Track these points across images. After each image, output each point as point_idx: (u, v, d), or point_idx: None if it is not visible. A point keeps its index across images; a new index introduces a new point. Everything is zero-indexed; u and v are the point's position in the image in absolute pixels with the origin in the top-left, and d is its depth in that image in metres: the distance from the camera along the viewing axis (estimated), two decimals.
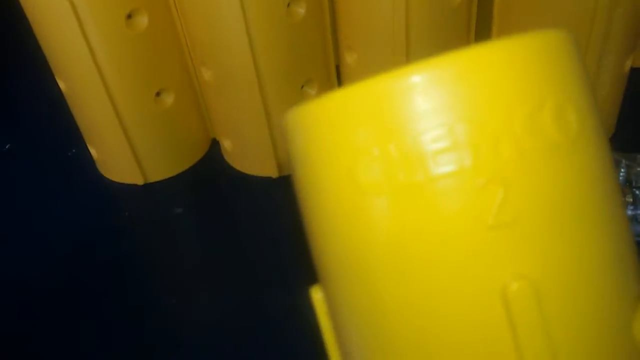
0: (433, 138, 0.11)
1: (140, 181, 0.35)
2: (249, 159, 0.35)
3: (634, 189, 0.29)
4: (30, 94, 0.43)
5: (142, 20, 0.30)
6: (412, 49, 0.30)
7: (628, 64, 0.30)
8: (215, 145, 0.37)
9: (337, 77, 0.34)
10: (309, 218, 0.13)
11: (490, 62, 0.11)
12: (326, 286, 0.14)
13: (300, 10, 0.29)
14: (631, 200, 0.29)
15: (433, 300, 0.11)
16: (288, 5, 0.29)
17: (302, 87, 0.32)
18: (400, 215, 0.11)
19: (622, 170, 0.30)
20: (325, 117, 0.12)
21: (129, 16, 0.30)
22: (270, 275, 0.29)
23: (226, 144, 0.35)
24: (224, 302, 0.28)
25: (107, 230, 0.33)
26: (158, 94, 0.33)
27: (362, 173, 0.11)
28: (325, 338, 0.15)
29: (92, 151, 0.36)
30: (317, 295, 0.15)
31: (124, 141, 0.33)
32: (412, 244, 0.11)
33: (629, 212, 0.29)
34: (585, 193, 0.11)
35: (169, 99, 0.33)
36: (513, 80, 0.11)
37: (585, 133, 0.12)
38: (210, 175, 0.35)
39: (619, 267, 0.12)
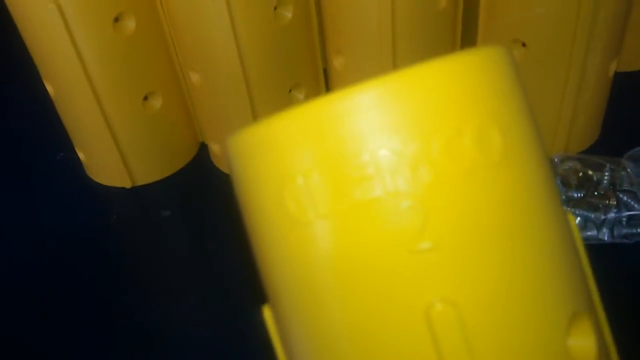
0: (356, 165, 0.11)
1: (128, 184, 0.35)
2: None
3: (618, 193, 0.30)
4: (17, 96, 0.43)
5: (130, 24, 0.30)
6: (399, 52, 0.30)
7: (612, 68, 0.31)
8: (203, 148, 0.37)
9: (325, 81, 0.34)
10: (250, 239, 0.13)
11: (409, 89, 0.11)
12: (271, 302, 0.14)
13: (287, 14, 0.30)
14: (615, 203, 0.29)
15: (363, 321, 0.11)
16: (275, 8, 0.29)
17: (290, 90, 0.32)
18: (328, 242, 0.11)
19: (607, 174, 0.30)
20: (256, 144, 0.12)
21: (116, 19, 0.30)
22: (258, 277, 0.29)
23: (214, 148, 0.35)
24: (211, 304, 0.28)
25: (95, 233, 0.33)
26: (146, 98, 0.33)
27: (289, 201, 0.11)
28: (277, 353, 0.15)
29: (80, 154, 0.36)
30: (267, 312, 0.15)
31: (112, 145, 0.33)
32: (340, 268, 0.11)
33: (612, 215, 0.29)
34: (511, 214, 0.11)
35: (156, 103, 0.33)
36: (432, 106, 0.11)
37: (513, 153, 0.11)
38: (199, 178, 0.35)
39: (549, 286, 0.11)
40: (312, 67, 0.33)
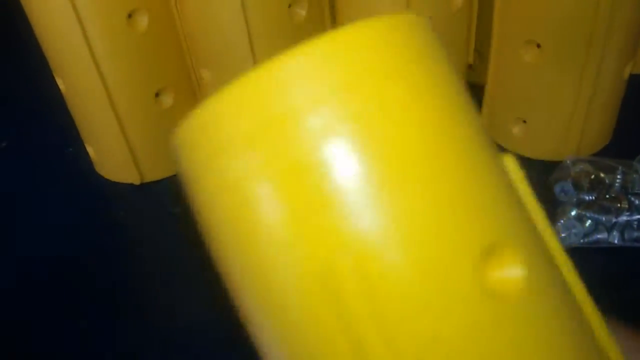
0: (290, 130, 0.11)
1: (137, 181, 0.35)
2: None
3: (630, 196, 0.30)
4: (27, 91, 0.43)
5: (143, 20, 0.30)
6: None
7: (627, 71, 0.31)
8: None
9: None
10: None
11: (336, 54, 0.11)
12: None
13: (302, 12, 0.29)
14: (626, 206, 0.29)
15: (275, 284, 0.11)
16: (289, 6, 0.29)
17: None
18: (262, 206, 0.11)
19: (619, 177, 0.30)
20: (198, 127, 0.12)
21: (130, 16, 0.30)
22: None
23: None
24: (220, 301, 0.28)
25: (103, 229, 0.33)
26: (157, 94, 0.32)
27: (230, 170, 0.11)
28: None
29: (90, 150, 0.35)
30: None
31: (122, 141, 0.33)
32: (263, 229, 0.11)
33: (624, 218, 0.29)
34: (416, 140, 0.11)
35: (168, 99, 0.33)
36: (361, 66, 0.11)
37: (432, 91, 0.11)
38: None
39: (459, 216, 0.11)
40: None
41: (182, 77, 0.33)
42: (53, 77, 0.32)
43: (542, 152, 0.33)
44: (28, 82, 0.42)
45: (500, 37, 0.31)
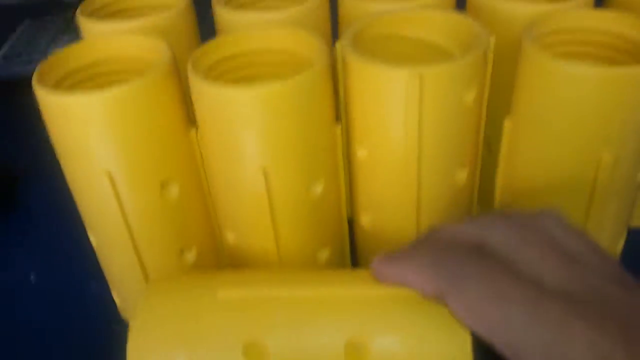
0: None
1: None
2: None
3: None
4: (59, 224, 0.45)
5: (174, 189, 0.33)
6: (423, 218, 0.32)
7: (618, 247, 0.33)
8: None
9: (351, 238, 0.37)
10: None
11: None
12: None
13: (318, 189, 0.32)
14: None
15: None
16: (308, 187, 0.31)
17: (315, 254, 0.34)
18: None
19: None
20: None
21: (162, 186, 0.32)
22: None
23: None
24: None
25: None
26: (182, 251, 0.35)
27: None
28: None
29: (115, 295, 0.38)
30: None
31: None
32: None
33: None
34: None
35: (191, 256, 0.35)
36: None
37: None
38: None
39: None
40: (339, 232, 0.35)
41: (207, 237, 0.36)
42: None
43: None
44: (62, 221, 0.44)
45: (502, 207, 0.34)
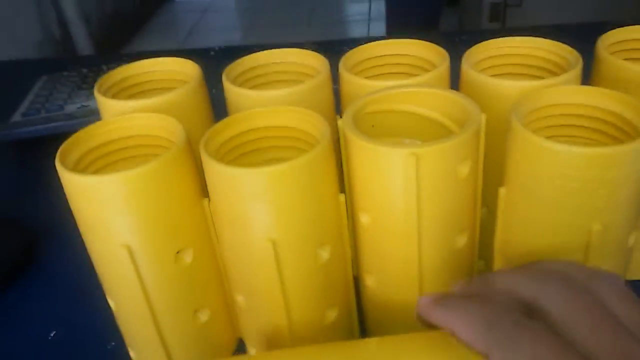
0: None
1: None
2: None
3: None
4: (78, 282, 0.47)
5: (188, 255, 0.35)
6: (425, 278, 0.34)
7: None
8: (241, 345, 0.41)
9: (357, 298, 0.38)
10: None
11: None
12: None
13: (325, 254, 0.34)
14: None
15: None
16: (315, 254, 0.33)
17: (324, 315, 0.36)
18: None
19: None
20: None
21: (177, 252, 0.34)
22: None
23: (252, 352, 0.39)
24: None
25: None
26: (195, 311, 0.37)
27: None
28: None
29: (131, 352, 0.39)
30: None
31: (162, 350, 0.37)
32: None
33: None
34: None
35: (204, 317, 0.37)
36: None
37: None
38: None
39: None
40: (346, 292, 0.37)
41: (219, 298, 0.38)
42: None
43: None
44: (80, 275, 0.46)
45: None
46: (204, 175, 0.33)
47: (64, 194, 0.33)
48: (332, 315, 0.36)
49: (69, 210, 0.33)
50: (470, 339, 0.23)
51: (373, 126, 0.35)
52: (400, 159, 0.29)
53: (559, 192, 0.30)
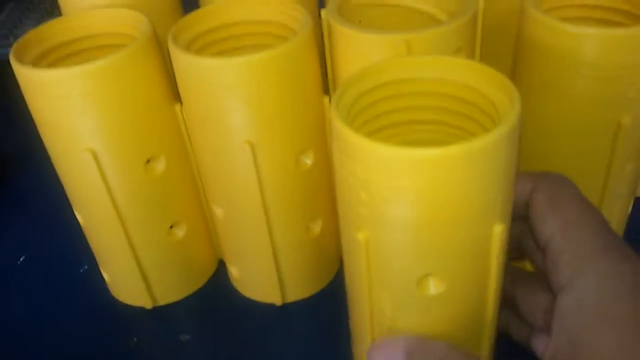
0: None
1: (149, 305, 0.36)
2: (254, 286, 0.36)
3: None
4: (48, 206, 0.45)
5: (160, 164, 0.32)
6: None
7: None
8: (222, 265, 0.38)
9: None
10: None
11: None
12: None
13: (308, 161, 0.31)
14: None
15: None
16: (297, 159, 0.31)
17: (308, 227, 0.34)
18: None
19: None
20: None
21: (148, 161, 0.32)
22: None
23: (233, 271, 0.36)
24: None
25: (113, 354, 0.34)
26: (171, 227, 0.34)
27: None
28: None
29: (104, 274, 0.37)
30: None
31: (136, 269, 0.34)
32: None
33: None
34: None
35: (181, 232, 0.35)
36: None
37: None
38: (217, 300, 0.37)
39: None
40: (331, 204, 0.34)
41: (196, 212, 0.35)
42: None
43: None
44: (50, 197, 0.44)
45: None
46: (175, 80, 0.30)
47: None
48: (316, 228, 0.34)
49: (39, 135, 0.31)
50: None
51: (360, 22, 0.32)
52: (390, 47, 0.27)
53: (588, 83, 0.27)
